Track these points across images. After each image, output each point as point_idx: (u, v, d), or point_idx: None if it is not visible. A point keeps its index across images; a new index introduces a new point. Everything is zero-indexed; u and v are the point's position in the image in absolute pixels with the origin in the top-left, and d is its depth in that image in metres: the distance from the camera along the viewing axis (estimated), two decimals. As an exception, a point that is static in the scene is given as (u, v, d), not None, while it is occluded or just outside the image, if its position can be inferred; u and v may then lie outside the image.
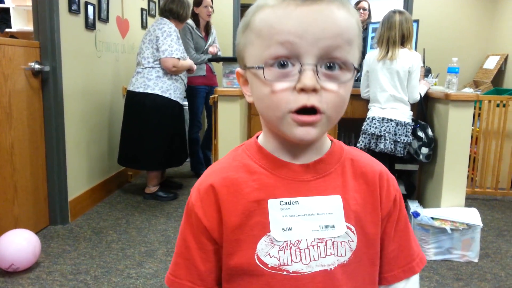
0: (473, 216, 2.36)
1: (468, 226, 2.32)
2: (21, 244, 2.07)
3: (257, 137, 0.69)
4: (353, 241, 0.63)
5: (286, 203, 0.62)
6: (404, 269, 0.69)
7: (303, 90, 0.56)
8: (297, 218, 0.62)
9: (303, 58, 0.56)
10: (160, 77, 3.09)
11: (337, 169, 0.66)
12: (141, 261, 2.29)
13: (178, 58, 3.07)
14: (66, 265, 2.22)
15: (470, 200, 3.37)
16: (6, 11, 4.38)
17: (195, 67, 3.31)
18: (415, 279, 0.70)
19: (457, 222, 2.34)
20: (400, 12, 2.58)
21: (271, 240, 0.61)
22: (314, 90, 0.56)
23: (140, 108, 3.10)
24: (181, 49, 3.13)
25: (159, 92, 3.08)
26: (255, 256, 0.61)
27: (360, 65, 2.96)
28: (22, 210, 2.45)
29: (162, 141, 3.16)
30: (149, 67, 3.08)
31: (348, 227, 0.63)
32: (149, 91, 3.07)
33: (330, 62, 0.57)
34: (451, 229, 2.32)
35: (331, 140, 0.69)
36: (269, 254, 0.61)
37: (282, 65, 0.57)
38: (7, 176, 2.34)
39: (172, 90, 3.14)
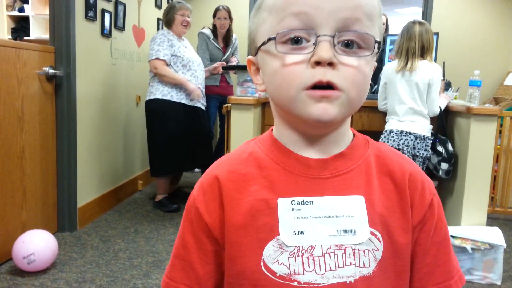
0: (495, 236, 2.24)
1: (491, 246, 2.21)
2: (44, 240, 2.16)
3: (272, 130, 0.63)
4: (378, 249, 0.54)
5: (298, 203, 0.54)
6: (439, 287, 0.60)
7: (318, 64, 0.50)
8: (311, 221, 0.54)
9: (319, 30, 0.50)
10: (160, 82, 3.06)
11: (361, 166, 0.58)
12: (148, 271, 2.22)
13: (158, 58, 2.97)
14: (72, 273, 2.16)
15: (491, 220, 3.23)
16: (26, 19, 4.45)
17: (190, 87, 3.03)
18: None
19: (479, 241, 2.22)
20: (420, 23, 2.51)
21: (280, 245, 0.53)
22: (331, 65, 0.50)
23: (146, 115, 3.14)
24: (164, 50, 3.00)
25: (159, 96, 3.04)
26: (261, 263, 0.54)
27: (378, 76, 2.89)
28: (30, 215, 2.41)
29: (165, 145, 3.07)
30: (152, 76, 3.11)
31: (372, 233, 0.54)
32: (151, 97, 3.08)
33: (348, 40, 0.51)
34: (472, 249, 2.21)
35: (354, 134, 0.61)
36: (277, 261, 0.53)
37: (296, 42, 0.51)
38: (16, 180, 2.31)
39: (174, 92, 3.05)
